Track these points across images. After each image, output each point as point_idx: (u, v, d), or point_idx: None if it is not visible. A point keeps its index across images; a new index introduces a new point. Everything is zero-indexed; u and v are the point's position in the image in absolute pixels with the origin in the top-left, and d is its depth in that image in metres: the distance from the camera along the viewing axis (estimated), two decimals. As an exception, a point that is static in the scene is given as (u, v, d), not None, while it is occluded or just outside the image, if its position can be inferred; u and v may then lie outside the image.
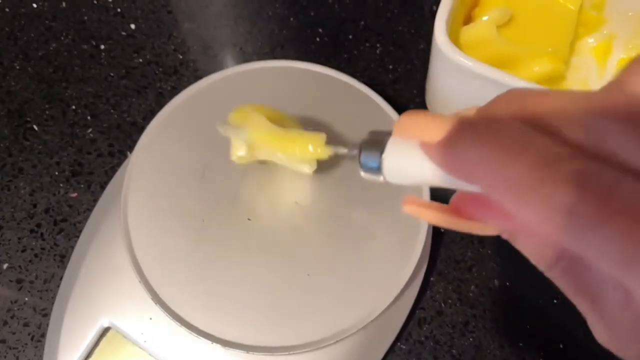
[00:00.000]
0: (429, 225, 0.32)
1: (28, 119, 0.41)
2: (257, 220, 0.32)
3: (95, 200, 0.37)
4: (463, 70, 0.32)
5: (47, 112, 0.41)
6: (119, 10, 0.46)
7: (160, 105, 0.39)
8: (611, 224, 0.12)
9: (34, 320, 0.35)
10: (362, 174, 0.22)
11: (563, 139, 0.15)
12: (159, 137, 0.34)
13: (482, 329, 0.35)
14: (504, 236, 0.17)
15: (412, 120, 0.19)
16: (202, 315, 0.30)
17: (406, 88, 0.43)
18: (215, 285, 0.30)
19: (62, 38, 0.44)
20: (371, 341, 0.32)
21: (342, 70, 0.36)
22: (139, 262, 0.31)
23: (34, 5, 0.46)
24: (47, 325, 0.33)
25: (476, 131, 0.15)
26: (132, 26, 0.45)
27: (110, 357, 0.32)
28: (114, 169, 0.39)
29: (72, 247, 0.35)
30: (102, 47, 0.44)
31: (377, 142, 0.20)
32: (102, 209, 0.36)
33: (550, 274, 0.16)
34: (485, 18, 0.37)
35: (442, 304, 0.36)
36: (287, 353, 0.29)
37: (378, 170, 0.21)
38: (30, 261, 0.36)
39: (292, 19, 0.46)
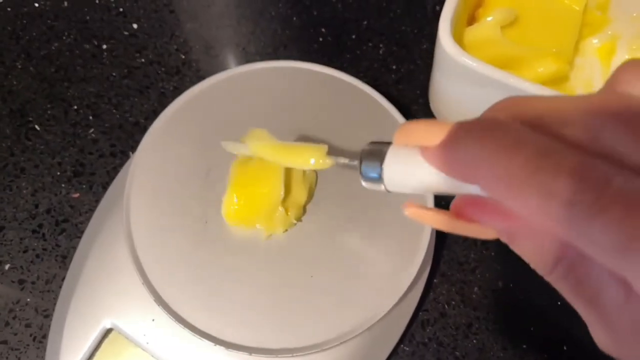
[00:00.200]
0: (433, 227, 0.32)
1: (30, 118, 0.41)
2: (260, 222, 0.32)
3: (97, 201, 0.37)
4: (467, 70, 0.32)
5: (49, 112, 0.41)
6: (121, 9, 0.45)
7: (162, 105, 0.39)
8: (608, 212, 0.13)
9: (36, 321, 0.35)
10: (363, 183, 0.22)
11: (559, 137, 0.15)
12: (162, 138, 0.34)
13: (486, 331, 0.35)
14: (503, 239, 0.17)
15: (411, 127, 0.19)
16: (204, 317, 0.29)
17: (409, 88, 0.43)
18: (218, 286, 0.30)
19: (64, 37, 0.44)
20: (374, 343, 0.32)
21: (345, 71, 0.36)
22: (141, 263, 0.31)
23: (36, 5, 0.45)
24: (49, 326, 0.33)
25: (473, 131, 0.16)
26: (135, 26, 0.45)
27: (112, 359, 0.32)
28: (116, 170, 0.39)
29: (74, 248, 0.35)
30: (104, 46, 0.44)
31: (377, 152, 0.21)
32: (104, 209, 0.36)
33: (550, 278, 0.16)
34: (489, 18, 0.37)
35: (446, 306, 0.36)
36: (289, 355, 0.29)
37: (379, 179, 0.21)
38: (32, 262, 0.36)
39: (295, 18, 0.46)
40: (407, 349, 0.34)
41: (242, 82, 0.36)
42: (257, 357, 0.29)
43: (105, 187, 0.38)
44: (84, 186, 0.39)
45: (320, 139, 0.33)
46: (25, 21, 0.45)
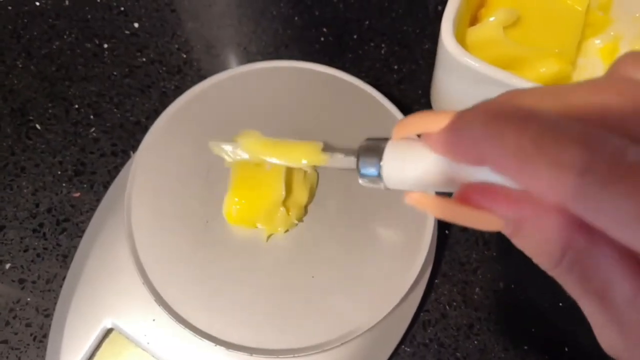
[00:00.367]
0: (434, 227, 0.32)
1: (31, 117, 0.41)
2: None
3: (98, 200, 0.37)
4: (469, 71, 0.32)
5: (49, 111, 0.41)
6: (122, 9, 0.45)
7: (163, 104, 0.39)
8: (624, 181, 0.12)
9: (36, 321, 0.35)
10: (361, 181, 0.21)
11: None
12: (163, 137, 0.34)
13: (487, 332, 0.35)
14: (507, 231, 0.16)
15: (410, 120, 0.18)
16: (205, 317, 0.29)
17: (411, 88, 0.43)
18: (219, 286, 0.30)
19: (65, 36, 0.44)
20: (376, 344, 0.32)
21: (347, 71, 0.36)
22: (142, 263, 0.30)
23: (37, 4, 0.45)
24: (50, 325, 0.33)
25: (480, 110, 0.15)
26: (136, 25, 0.45)
27: (113, 359, 0.32)
28: (117, 169, 0.39)
29: (75, 247, 0.35)
30: (106, 45, 0.44)
31: (374, 147, 0.20)
32: (105, 209, 0.36)
33: (555, 272, 0.16)
34: (491, 19, 0.37)
35: (447, 307, 0.35)
36: (290, 356, 0.29)
37: (377, 176, 0.20)
38: (32, 261, 0.36)
39: (296, 18, 0.46)
40: (408, 349, 0.34)
41: (244, 81, 0.36)
42: (258, 358, 0.29)
43: (106, 186, 0.38)
44: (85, 185, 0.39)
45: (321, 139, 0.33)
46: (26, 20, 0.45)
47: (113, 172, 0.39)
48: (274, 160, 0.28)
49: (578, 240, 0.15)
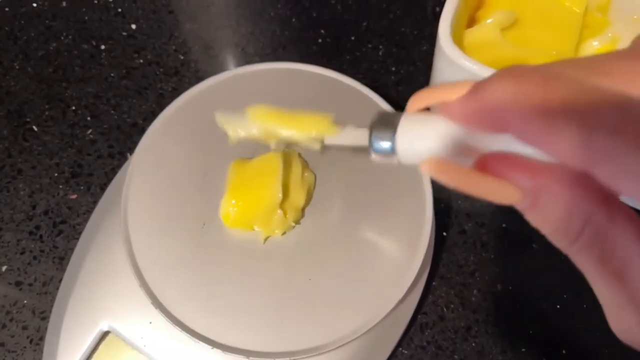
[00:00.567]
0: (432, 230, 0.32)
1: (28, 119, 0.41)
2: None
3: (95, 202, 0.37)
4: (467, 72, 0.32)
5: (46, 113, 0.41)
6: (119, 10, 0.45)
7: (161, 106, 0.39)
8: None
9: (33, 323, 0.35)
10: (373, 156, 0.20)
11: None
12: (160, 139, 0.34)
13: (485, 334, 0.35)
14: (524, 204, 0.16)
15: (427, 92, 0.18)
16: (202, 320, 0.29)
17: (409, 90, 0.43)
18: (216, 289, 0.30)
19: (62, 38, 0.44)
20: (373, 346, 0.32)
21: (344, 72, 0.36)
22: (138, 265, 0.30)
23: (34, 5, 0.45)
24: (46, 328, 0.33)
25: (502, 75, 0.15)
26: (133, 26, 0.44)
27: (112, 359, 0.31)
28: (114, 171, 0.39)
29: (72, 249, 0.35)
30: (103, 47, 0.44)
31: (388, 121, 0.19)
32: (102, 210, 0.36)
33: (572, 249, 0.15)
34: (489, 21, 0.37)
35: (445, 309, 0.35)
36: (287, 358, 0.29)
37: (390, 150, 0.19)
38: (29, 263, 0.36)
39: (294, 20, 0.46)
40: (406, 352, 0.34)
41: (241, 83, 0.36)
42: (254, 359, 0.29)
43: (103, 188, 0.38)
44: (82, 187, 0.38)
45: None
46: (23, 21, 0.45)
47: (110, 173, 0.39)
48: (283, 131, 0.26)
49: (598, 215, 0.14)
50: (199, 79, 0.37)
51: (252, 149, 0.32)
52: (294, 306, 0.30)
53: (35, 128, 0.40)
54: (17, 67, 0.43)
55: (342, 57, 0.44)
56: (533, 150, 0.15)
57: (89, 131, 0.40)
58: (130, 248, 0.31)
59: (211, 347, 0.29)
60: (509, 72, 0.15)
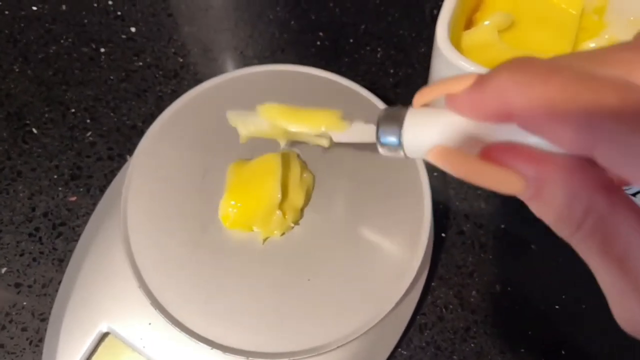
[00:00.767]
0: (430, 231, 0.32)
1: (27, 122, 0.41)
2: (258, 225, 0.32)
3: (95, 204, 0.37)
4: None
5: (46, 115, 0.41)
6: (119, 13, 0.46)
7: (160, 108, 0.39)
8: None
9: (32, 325, 0.35)
10: (381, 150, 0.21)
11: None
12: (160, 141, 0.34)
13: (484, 335, 0.35)
14: (528, 194, 0.16)
15: (431, 87, 0.18)
16: (201, 321, 0.29)
17: (407, 92, 0.43)
18: (216, 290, 0.30)
19: (62, 41, 0.44)
20: (373, 347, 0.32)
21: (343, 74, 0.36)
22: (138, 266, 0.30)
23: (34, 8, 0.45)
24: (46, 329, 0.33)
25: (507, 66, 0.15)
26: (132, 29, 0.45)
27: (109, 362, 0.31)
28: (113, 173, 0.39)
29: (71, 251, 0.35)
30: (102, 50, 0.44)
31: (394, 116, 0.20)
32: (102, 212, 0.36)
33: (575, 238, 0.15)
34: (486, 22, 0.37)
35: (444, 310, 0.35)
36: (287, 359, 0.29)
37: (397, 144, 0.20)
38: (28, 265, 0.36)
39: (292, 22, 0.46)
40: (405, 352, 0.34)
41: (240, 85, 0.36)
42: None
43: (102, 190, 0.38)
44: (81, 189, 0.39)
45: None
46: (22, 24, 0.45)
47: (109, 176, 0.39)
48: (293, 127, 0.27)
49: (600, 204, 0.15)
50: (198, 81, 0.37)
51: (251, 150, 0.32)
52: (293, 307, 0.30)
53: (34, 130, 0.40)
54: (16, 70, 0.43)
55: (341, 59, 0.44)
56: (537, 140, 0.16)
57: (89, 133, 0.40)
58: (130, 249, 0.31)
59: (211, 347, 0.29)
60: (513, 64, 0.15)
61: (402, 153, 0.20)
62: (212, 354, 0.30)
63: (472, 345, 0.35)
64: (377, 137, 0.21)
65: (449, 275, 0.36)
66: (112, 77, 0.42)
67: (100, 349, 0.32)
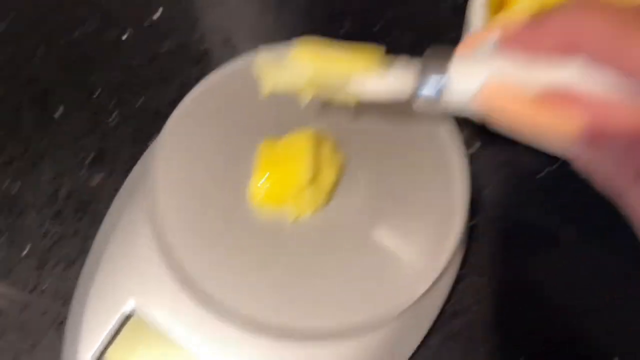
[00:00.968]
0: (466, 212, 0.31)
1: (51, 105, 0.40)
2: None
3: (118, 187, 0.36)
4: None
5: (70, 99, 0.41)
6: (143, -2, 0.45)
7: (184, 94, 0.38)
8: None
9: (54, 307, 0.34)
10: (418, 103, 0.20)
11: None
12: (188, 120, 0.33)
13: (515, 325, 0.34)
14: (580, 144, 0.15)
15: (475, 34, 0.18)
16: (231, 300, 0.28)
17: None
18: (244, 269, 0.29)
19: (87, 25, 0.44)
20: (402, 333, 0.31)
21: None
22: (166, 245, 0.30)
23: (59, -7, 0.45)
24: (68, 311, 0.33)
25: (573, 3, 0.15)
26: (158, 13, 0.44)
27: (134, 344, 0.31)
28: (137, 156, 0.38)
29: (95, 233, 0.35)
30: (127, 34, 0.43)
31: (440, 55, 0.18)
32: (126, 194, 0.36)
33: (633, 191, 0.15)
34: (518, 6, 0.37)
35: (474, 298, 0.34)
36: (319, 340, 0.29)
37: (441, 88, 0.18)
38: (51, 246, 0.36)
39: (317, 9, 0.45)
40: (436, 341, 0.33)
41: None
42: (285, 342, 0.29)
43: (126, 173, 0.38)
44: (105, 172, 0.38)
45: (345, 126, 0.33)
46: (46, 9, 0.45)
47: (133, 159, 0.38)
48: (327, 69, 0.25)
49: None
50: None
51: (281, 130, 0.32)
52: (327, 287, 0.29)
53: (59, 113, 0.40)
54: (41, 54, 0.42)
55: (367, 46, 0.43)
56: (594, 81, 0.15)
57: (113, 117, 0.40)
58: (158, 228, 0.30)
59: (240, 327, 0.28)
60: (580, 1, 0.15)
61: (441, 104, 0.19)
62: (241, 334, 0.29)
63: (503, 334, 0.34)
64: (420, 80, 0.19)
65: (479, 263, 0.35)
66: (137, 61, 0.42)
67: (124, 330, 0.31)
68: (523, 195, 0.38)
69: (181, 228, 0.30)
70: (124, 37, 0.43)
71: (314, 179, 0.30)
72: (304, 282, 0.29)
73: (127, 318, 0.31)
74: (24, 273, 0.35)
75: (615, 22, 0.14)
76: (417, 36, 0.44)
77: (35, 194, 0.37)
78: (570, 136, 0.15)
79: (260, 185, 0.30)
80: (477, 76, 0.17)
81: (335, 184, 0.31)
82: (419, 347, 0.32)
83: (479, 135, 0.39)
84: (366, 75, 0.24)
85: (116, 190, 0.36)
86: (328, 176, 0.30)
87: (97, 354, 0.30)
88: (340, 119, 0.33)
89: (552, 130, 0.16)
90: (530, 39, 0.16)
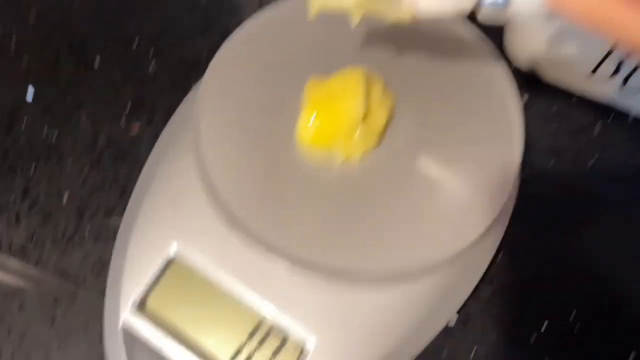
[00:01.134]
0: (520, 158, 0.30)
1: (89, 53, 0.40)
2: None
3: (157, 135, 0.36)
4: None
5: (109, 47, 0.40)
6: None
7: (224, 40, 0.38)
8: None
9: (94, 252, 0.34)
10: (484, 11, 0.18)
11: None
12: (231, 61, 0.32)
13: (567, 276, 0.33)
14: None
15: None
16: (279, 241, 0.27)
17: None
18: (291, 209, 0.28)
19: (124, -26, 0.43)
20: (454, 280, 0.30)
21: None
22: (213, 186, 0.29)
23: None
24: (109, 256, 0.32)
25: None
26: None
27: (177, 288, 0.30)
28: (176, 105, 0.38)
29: (134, 181, 0.34)
30: (165, -17, 0.43)
31: None
32: (167, 141, 0.35)
33: None
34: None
35: (526, 248, 0.33)
36: (367, 283, 0.28)
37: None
38: (90, 194, 0.35)
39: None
40: (485, 293, 0.32)
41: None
42: (331, 285, 0.28)
43: (164, 123, 0.37)
44: (144, 120, 0.37)
45: (395, 64, 0.31)
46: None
47: (171, 108, 0.38)
48: None
49: None
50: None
51: (327, 69, 0.30)
52: (372, 230, 0.28)
53: (97, 62, 0.39)
54: (79, 3, 0.42)
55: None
56: None
57: (152, 65, 0.39)
58: (204, 169, 0.29)
59: (287, 268, 0.28)
60: None
61: (508, 11, 0.18)
62: (288, 276, 0.28)
63: (555, 283, 0.32)
64: None
65: (531, 211, 0.34)
66: (176, 10, 0.41)
67: (167, 274, 0.30)
68: (572, 150, 0.36)
69: (227, 169, 0.29)
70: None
71: (365, 118, 0.29)
72: (352, 224, 0.28)
73: (170, 262, 0.30)
74: (63, 219, 0.34)
75: None
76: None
77: (73, 142, 0.37)
78: None
79: (309, 125, 0.29)
80: None
81: (386, 125, 0.30)
82: (468, 298, 0.31)
83: (528, 86, 0.37)
84: None
85: (155, 138, 0.36)
86: (379, 116, 0.29)
87: (139, 299, 0.30)
88: (389, 59, 0.31)
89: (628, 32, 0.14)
90: None
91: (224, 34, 0.39)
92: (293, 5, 0.34)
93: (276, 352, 0.28)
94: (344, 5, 0.25)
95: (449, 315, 0.31)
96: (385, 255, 0.28)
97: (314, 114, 0.29)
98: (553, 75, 0.37)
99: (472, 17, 0.22)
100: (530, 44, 0.36)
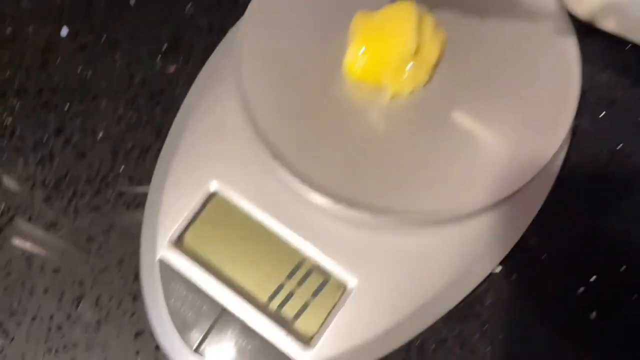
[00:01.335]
0: (575, 105, 0.28)
1: (125, -7, 0.39)
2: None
3: (193, 76, 0.35)
4: None
5: (144, -13, 0.39)
6: None
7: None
8: None
9: (129, 189, 0.33)
10: None
11: None
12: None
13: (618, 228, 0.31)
14: None
15: None
16: (323, 180, 0.26)
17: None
18: (337, 145, 0.27)
19: None
20: (501, 225, 0.29)
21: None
22: (255, 122, 0.28)
23: None
24: (144, 195, 0.31)
25: None
26: None
27: (215, 225, 0.29)
28: (213, 45, 0.36)
29: (170, 120, 0.33)
30: None
31: None
32: (205, 80, 0.34)
33: None
34: None
35: (577, 198, 0.32)
36: (411, 224, 0.27)
37: None
38: (126, 131, 0.34)
39: None
40: (533, 243, 0.31)
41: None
42: (375, 222, 0.27)
43: (201, 63, 0.36)
44: (180, 61, 0.36)
45: (460, 4, 0.30)
46: None
47: (209, 47, 0.36)
48: None
49: None
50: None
51: (374, 3, 0.29)
52: (419, 171, 0.27)
53: (133, 1, 0.38)
54: (113, -57, 0.41)
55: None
56: None
57: (188, 6, 0.38)
58: (246, 105, 0.28)
59: (329, 208, 0.27)
60: None
61: None
62: (329, 215, 0.27)
63: (599, 240, 0.31)
64: None
65: (582, 163, 0.32)
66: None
67: (207, 209, 0.29)
68: (625, 101, 0.35)
69: (269, 105, 0.28)
70: None
71: (416, 53, 0.27)
72: (398, 164, 0.27)
73: (209, 198, 0.29)
74: (98, 157, 0.34)
75: None
76: None
77: (109, 80, 0.36)
78: None
79: (357, 59, 0.28)
80: None
81: (437, 63, 0.28)
82: (514, 248, 0.30)
83: (583, 33, 0.36)
84: None
85: (191, 78, 0.35)
86: (431, 52, 0.28)
87: (177, 235, 0.29)
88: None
89: None
90: None
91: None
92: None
93: (316, 292, 0.27)
94: None
95: (493, 263, 0.30)
96: (431, 197, 0.27)
97: (363, 47, 0.27)
98: (610, 23, 0.35)
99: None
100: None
